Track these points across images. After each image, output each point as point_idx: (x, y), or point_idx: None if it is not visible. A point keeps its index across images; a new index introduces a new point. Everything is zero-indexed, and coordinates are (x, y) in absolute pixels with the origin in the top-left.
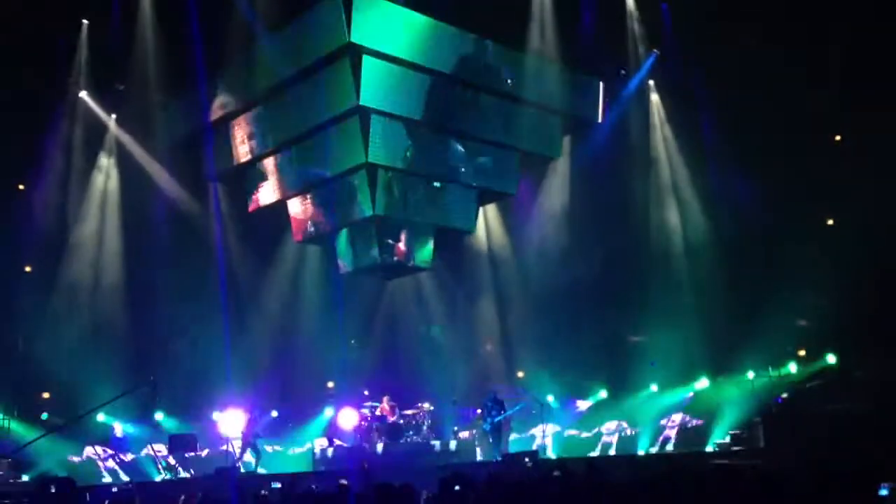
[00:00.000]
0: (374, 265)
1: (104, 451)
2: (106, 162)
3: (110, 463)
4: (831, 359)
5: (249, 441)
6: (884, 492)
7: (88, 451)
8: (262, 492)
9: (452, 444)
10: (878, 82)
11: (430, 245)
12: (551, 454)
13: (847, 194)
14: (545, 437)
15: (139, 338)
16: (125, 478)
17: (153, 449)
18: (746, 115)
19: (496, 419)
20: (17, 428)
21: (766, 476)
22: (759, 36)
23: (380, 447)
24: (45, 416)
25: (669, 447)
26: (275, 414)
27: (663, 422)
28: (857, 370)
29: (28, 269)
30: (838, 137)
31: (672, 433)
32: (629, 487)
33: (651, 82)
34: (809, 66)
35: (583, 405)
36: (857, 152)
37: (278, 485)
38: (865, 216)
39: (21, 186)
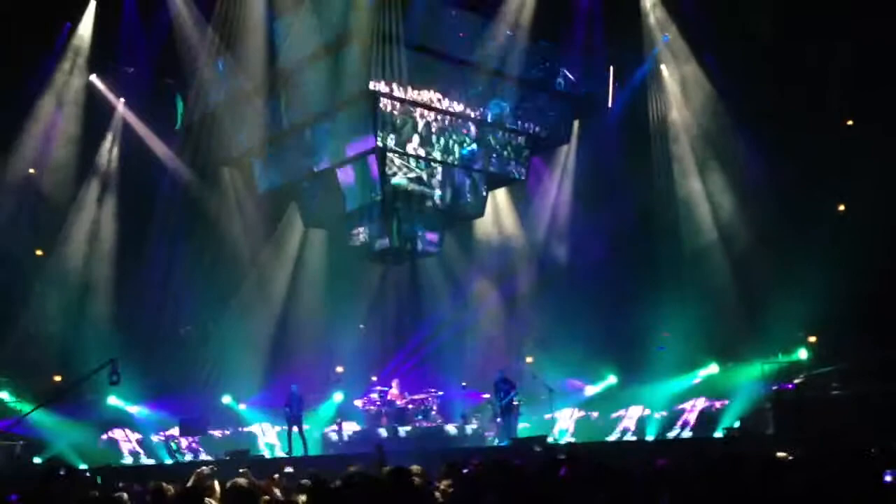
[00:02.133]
0: (382, 250)
1: (125, 433)
2: (112, 144)
3: (131, 445)
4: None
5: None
6: (888, 478)
7: (111, 433)
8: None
9: (467, 429)
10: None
11: (439, 230)
12: (571, 438)
13: (858, 180)
14: (560, 422)
15: (145, 322)
16: (147, 460)
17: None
18: (759, 98)
19: (505, 400)
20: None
21: (775, 462)
22: (773, 20)
23: (388, 432)
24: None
25: (687, 433)
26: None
27: (681, 406)
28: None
29: (40, 252)
30: (850, 122)
31: (691, 417)
32: (635, 475)
33: (663, 66)
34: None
35: (592, 389)
36: (869, 137)
37: (290, 469)
38: (877, 202)
39: (32, 171)
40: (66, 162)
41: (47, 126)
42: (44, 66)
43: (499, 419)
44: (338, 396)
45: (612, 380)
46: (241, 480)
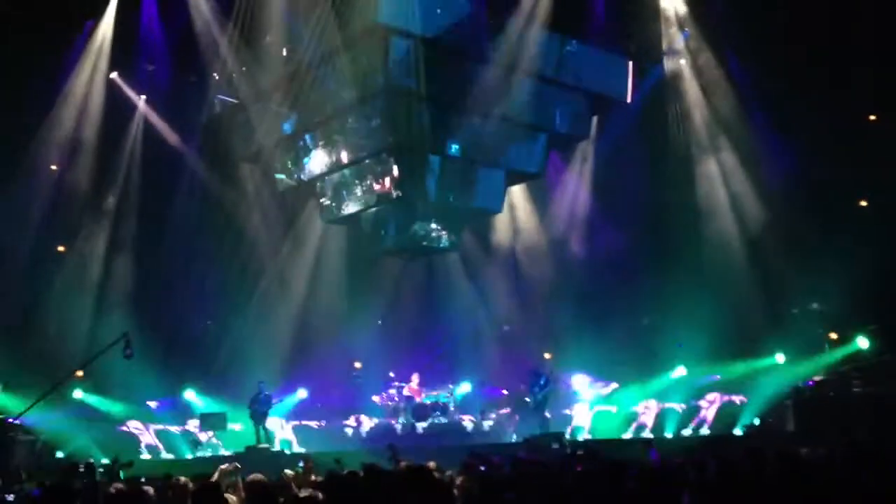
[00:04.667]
0: (401, 246)
1: (144, 426)
2: (133, 141)
3: (150, 439)
4: (863, 342)
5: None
6: None
7: (130, 425)
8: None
9: (485, 425)
10: None
11: (458, 226)
12: (588, 435)
13: (881, 176)
14: (577, 419)
15: (165, 317)
16: (166, 455)
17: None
18: (780, 95)
19: (538, 396)
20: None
21: (795, 460)
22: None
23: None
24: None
25: (704, 430)
26: (303, 394)
27: (699, 402)
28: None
29: (61, 248)
30: (873, 117)
31: (709, 414)
32: (654, 473)
33: (683, 61)
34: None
35: (611, 385)
36: (894, 132)
37: (302, 463)
38: None
39: (53, 167)
40: (88, 159)
41: (69, 123)
42: (65, 64)
43: (534, 416)
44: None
45: (630, 376)
46: (260, 476)
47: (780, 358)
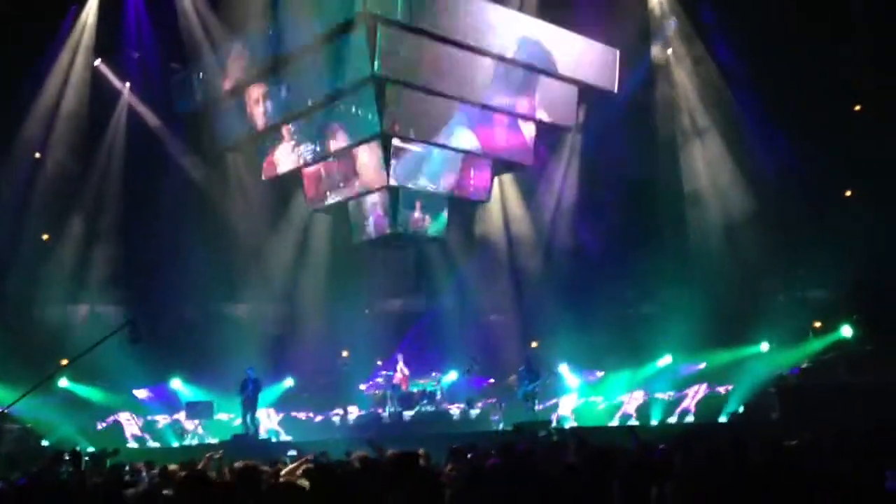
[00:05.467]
0: (387, 235)
1: (131, 416)
2: (117, 128)
3: (136, 429)
4: (847, 331)
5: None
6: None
7: (116, 414)
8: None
9: (472, 413)
10: None
11: (444, 215)
12: (574, 423)
13: (867, 165)
14: (563, 407)
15: (150, 306)
16: (153, 444)
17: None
18: (769, 85)
19: (529, 388)
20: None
21: (779, 448)
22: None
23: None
24: None
25: (689, 418)
26: (290, 383)
27: (685, 392)
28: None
29: (46, 237)
30: (858, 107)
31: (692, 403)
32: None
33: (670, 51)
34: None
35: (597, 375)
36: (879, 122)
37: (294, 452)
38: (885, 188)
39: (38, 155)
40: (72, 146)
41: (53, 110)
42: (49, 50)
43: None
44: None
45: (616, 365)
46: (248, 463)
47: (764, 346)
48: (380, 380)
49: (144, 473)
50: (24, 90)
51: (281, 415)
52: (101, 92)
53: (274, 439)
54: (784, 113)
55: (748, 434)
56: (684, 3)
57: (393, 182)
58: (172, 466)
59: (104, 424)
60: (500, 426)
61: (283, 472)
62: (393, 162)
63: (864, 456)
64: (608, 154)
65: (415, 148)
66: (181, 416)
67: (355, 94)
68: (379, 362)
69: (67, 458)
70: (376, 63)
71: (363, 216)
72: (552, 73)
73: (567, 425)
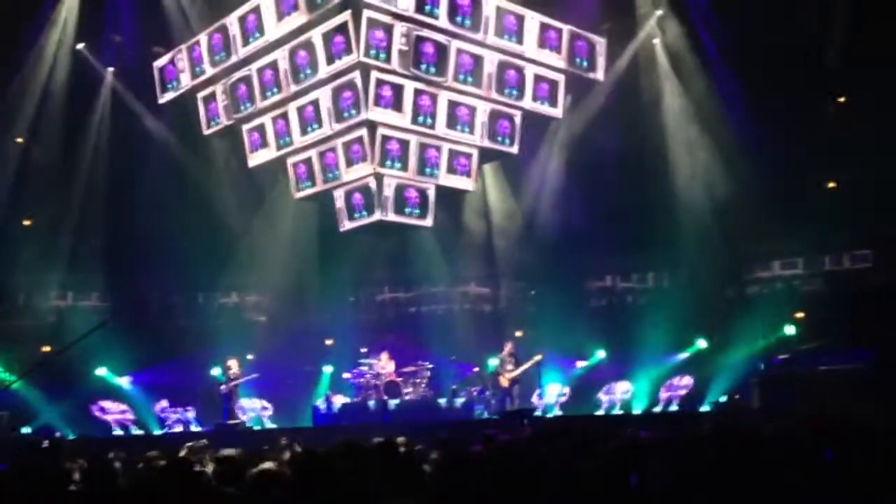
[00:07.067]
0: (372, 223)
1: (115, 404)
2: (100, 114)
3: (120, 416)
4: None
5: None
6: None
7: (101, 404)
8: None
9: (457, 402)
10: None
11: (431, 203)
12: (558, 412)
13: (849, 156)
14: (547, 397)
15: (134, 293)
16: (136, 432)
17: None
18: (750, 73)
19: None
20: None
21: (761, 437)
22: None
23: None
24: None
25: (673, 407)
26: (275, 371)
27: (671, 382)
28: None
29: (27, 222)
30: (842, 98)
31: (678, 394)
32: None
33: (656, 41)
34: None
35: (581, 364)
36: (861, 113)
37: (284, 441)
38: (867, 178)
39: (20, 140)
40: (55, 132)
41: (35, 95)
42: (30, 34)
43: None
44: (327, 368)
45: (601, 354)
46: (231, 451)
47: (745, 338)
48: (364, 368)
49: (119, 464)
50: (4, 73)
51: (265, 402)
52: (84, 77)
53: (258, 427)
54: (768, 104)
55: (730, 422)
56: None
57: (379, 169)
58: (153, 453)
59: (87, 411)
60: (485, 414)
61: (266, 461)
62: (379, 149)
63: (844, 443)
64: (595, 143)
65: (401, 135)
66: (164, 403)
67: (341, 79)
68: (363, 350)
69: (46, 445)
70: (362, 48)
71: (349, 204)
72: (538, 61)
73: (551, 414)
